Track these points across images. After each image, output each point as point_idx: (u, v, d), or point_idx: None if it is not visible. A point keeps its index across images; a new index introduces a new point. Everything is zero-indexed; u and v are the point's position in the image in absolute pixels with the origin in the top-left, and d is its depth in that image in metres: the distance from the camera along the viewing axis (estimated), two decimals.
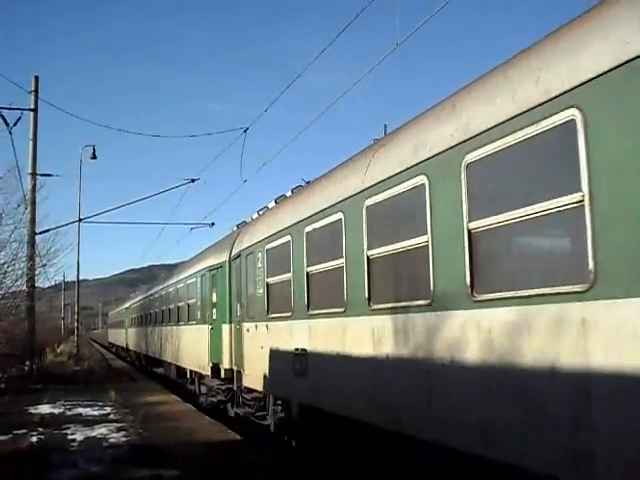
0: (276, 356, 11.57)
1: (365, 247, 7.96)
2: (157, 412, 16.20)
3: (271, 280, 11.90)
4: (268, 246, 12.09)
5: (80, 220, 36.01)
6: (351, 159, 9.48)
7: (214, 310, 16.92)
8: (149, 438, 12.33)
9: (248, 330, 13.51)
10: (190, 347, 20.44)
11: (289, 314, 10.77)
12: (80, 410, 16.67)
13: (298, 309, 10.36)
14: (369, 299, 7.88)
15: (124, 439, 12.24)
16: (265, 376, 12.23)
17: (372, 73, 12.79)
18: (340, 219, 8.72)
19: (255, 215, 15.54)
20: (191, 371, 20.76)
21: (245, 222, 16.80)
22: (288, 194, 13.25)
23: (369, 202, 7.92)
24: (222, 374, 15.84)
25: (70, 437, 12.57)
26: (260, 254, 12.58)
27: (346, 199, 8.58)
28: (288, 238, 10.89)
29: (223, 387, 16.03)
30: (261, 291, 12.43)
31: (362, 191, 8.10)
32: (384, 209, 7.67)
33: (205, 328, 17.73)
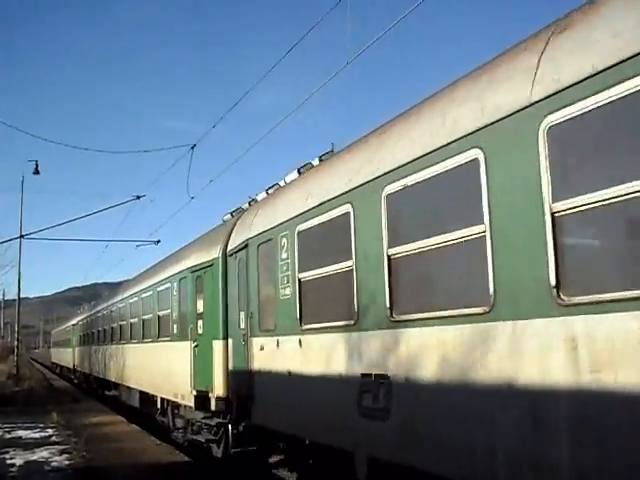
0: (321, 385, 8.20)
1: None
2: (101, 433, 15.68)
3: (307, 275, 8.71)
4: (301, 227, 8.83)
5: (22, 236, 35.06)
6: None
7: (199, 322, 13.19)
8: (93, 460, 11.87)
9: (262, 348, 9.99)
10: (163, 369, 16.13)
11: (346, 322, 7.57)
12: (20, 433, 16.01)
13: (366, 314, 7.17)
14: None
15: (67, 462, 11.76)
16: (296, 413, 8.88)
17: (321, 91, 12.61)
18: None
19: (262, 195, 11.98)
20: (163, 399, 16.62)
21: (242, 208, 13.18)
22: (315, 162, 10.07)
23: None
24: (213, 406, 12.07)
25: (9, 462, 12.00)
26: (285, 240, 9.28)
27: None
28: (346, 209, 7.69)
29: (213, 422, 12.46)
30: (288, 292, 9.14)
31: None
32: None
33: (186, 346, 13.83)
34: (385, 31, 10.34)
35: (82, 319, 38.70)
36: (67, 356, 46.89)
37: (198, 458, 12.71)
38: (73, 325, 42.68)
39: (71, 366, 43.41)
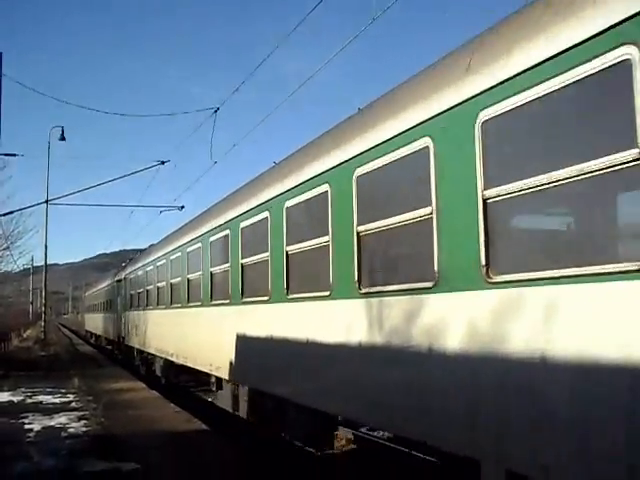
0: None
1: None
2: (121, 400, 15.64)
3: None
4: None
5: (47, 201, 35.16)
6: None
7: None
8: (110, 428, 11.78)
9: None
10: None
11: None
12: (41, 398, 16.05)
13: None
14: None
15: (84, 429, 11.67)
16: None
17: (346, 52, 12.22)
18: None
19: None
20: None
21: None
22: None
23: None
24: None
25: (27, 427, 11.97)
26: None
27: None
28: None
29: None
30: None
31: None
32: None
33: None
34: None
35: (133, 270, 26.07)
36: (108, 324, 35.79)
37: (216, 426, 12.57)
38: (118, 281, 30.72)
39: (115, 337, 31.80)
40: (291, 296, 8.99)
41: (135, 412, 13.67)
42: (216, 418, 13.93)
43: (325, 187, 7.94)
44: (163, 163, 29.40)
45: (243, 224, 11.17)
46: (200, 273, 14.32)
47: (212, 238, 13.34)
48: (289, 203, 9.11)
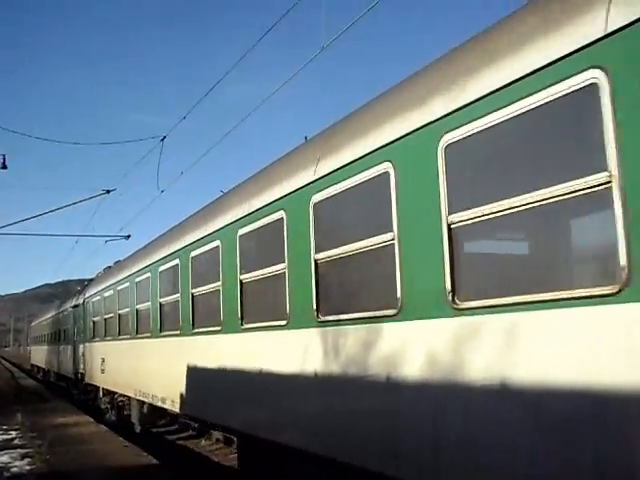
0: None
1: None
2: (68, 435, 15.12)
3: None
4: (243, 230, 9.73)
5: None
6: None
7: None
8: (56, 465, 11.34)
9: None
10: None
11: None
12: None
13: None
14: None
15: (28, 467, 11.21)
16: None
17: (294, 83, 12.31)
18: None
19: None
20: None
21: None
22: None
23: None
24: None
25: None
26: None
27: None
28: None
29: None
30: None
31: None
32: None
33: None
34: (361, 15, 9.96)
35: (99, 290, 21.36)
36: (60, 357, 30.70)
37: (166, 460, 12.26)
38: (75, 307, 26.35)
39: (71, 373, 27.24)
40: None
41: (82, 447, 13.23)
42: (169, 451, 13.62)
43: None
44: (109, 192, 28.91)
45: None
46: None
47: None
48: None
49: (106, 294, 19.83)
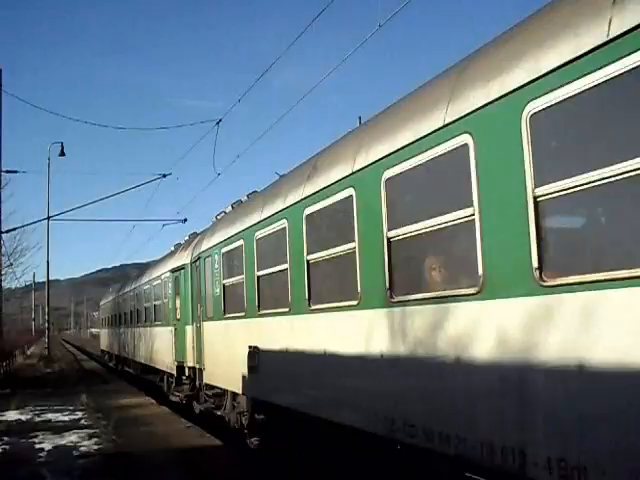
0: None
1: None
2: (131, 416, 15.45)
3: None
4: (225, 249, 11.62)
5: (49, 218, 35.10)
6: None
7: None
8: (123, 445, 11.60)
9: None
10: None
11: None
12: (50, 416, 15.85)
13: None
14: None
15: (96, 447, 11.48)
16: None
17: (352, 62, 12.17)
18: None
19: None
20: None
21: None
22: None
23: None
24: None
25: (38, 446, 11.76)
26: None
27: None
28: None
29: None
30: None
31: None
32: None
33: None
34: None
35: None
36: (156, 343, 22.01)
37: (228, 441, 12.39)
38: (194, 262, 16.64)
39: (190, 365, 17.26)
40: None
41: (146, 429, 13.49)
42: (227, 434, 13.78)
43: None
44: (165, 176, 29.37)
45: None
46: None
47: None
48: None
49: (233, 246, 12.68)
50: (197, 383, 16.11)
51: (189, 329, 16.88)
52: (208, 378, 14.87)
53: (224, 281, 13.07)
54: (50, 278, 41.57)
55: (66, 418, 15.38)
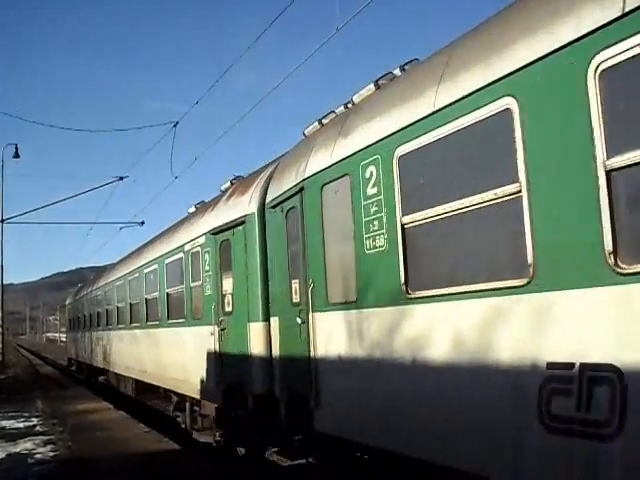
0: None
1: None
2: (88, 421, 15.24)
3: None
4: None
5: (2, 221, 34.42)
6: None
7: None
8: (79, 451, 11.44)
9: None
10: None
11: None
12: (3, 423, 15.50)
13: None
14: None
15: (51, 454, 11.30)
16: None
17: (307, 67, 12.17)
18: None
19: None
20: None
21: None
22: None
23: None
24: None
25: None
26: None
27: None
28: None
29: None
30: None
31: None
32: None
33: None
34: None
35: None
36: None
37: (187, 445, 12.33)
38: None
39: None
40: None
41: (103, 434, 13.33)
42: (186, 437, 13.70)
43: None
44: (122, 179, 29.11)
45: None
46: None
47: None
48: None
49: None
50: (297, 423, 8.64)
51: (258, 329, 9.94)
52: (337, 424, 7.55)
53: (404, 219, 6.25)
54: (4, 282, 40.69)
55: (21, 425, 15.08)
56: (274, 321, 9.45)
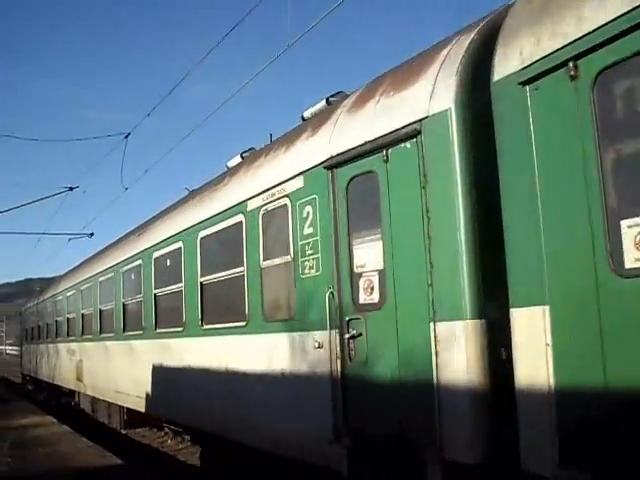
0: None
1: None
2: (30, 436, 14.83)
3: None
4: None
5: None
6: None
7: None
8: (19, 468, 11.12)
9: None
10: None
11: None
12: None
13: None
14: None
15: None
16: None
17: (260, 81, 12.22)
18: None
19: None
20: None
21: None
22: None
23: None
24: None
25: None
26: None
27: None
28: None
29: None
30: None
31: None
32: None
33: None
34: (328, 12, 9.86)
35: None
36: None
37: (132, 460, 12.14)
38: None
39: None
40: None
41: (45, 449, 12.99)
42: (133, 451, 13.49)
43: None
44: (72, 189, 28.50)
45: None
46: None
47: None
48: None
49: None
50: None
51: (467, 331, 5.47)
52: None
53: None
54: None
55: None
56: (538, 312, 4.71)
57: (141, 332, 13.03)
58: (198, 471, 11.39)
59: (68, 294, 21.63)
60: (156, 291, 12.15)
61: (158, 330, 11.83)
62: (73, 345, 20.29)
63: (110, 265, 16.02)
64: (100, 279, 17.08)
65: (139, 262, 13.27)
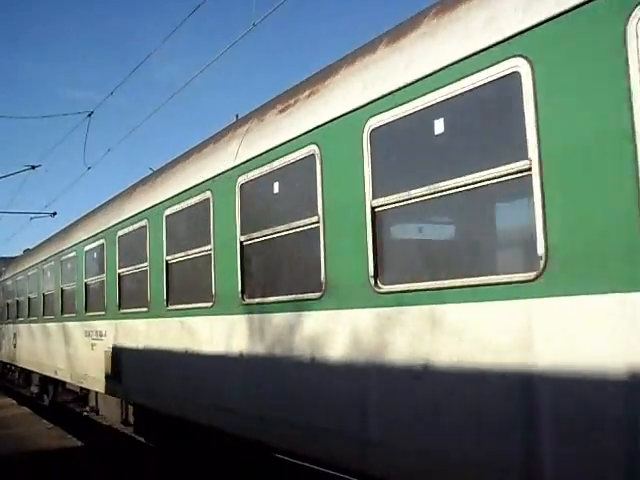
0: None
1: None
2: None
3: None
4: None
5: None
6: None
7: None
8: None
9: None
10: None
11: None
12: None
13: None
14: None
15: None
16: None
17: (227, 59, 11.91)
18: None
19: None
20: None
21: None
22: None
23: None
24: None
25: None
26: None
27: None
28: None
29: None
30: None
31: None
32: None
33: None
34: None
35: None
36: None
37: (91, 442, 11.92)
38: None
39: None
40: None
41: (3, 432, 12.75)
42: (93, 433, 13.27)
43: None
44: (34, 168, 27.91)
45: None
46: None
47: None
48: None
49: None
50: None
51: None
52: None
53: None
54: None
55: None
56: None
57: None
58: (156, 450, 11.20)
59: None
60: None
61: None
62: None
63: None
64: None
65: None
